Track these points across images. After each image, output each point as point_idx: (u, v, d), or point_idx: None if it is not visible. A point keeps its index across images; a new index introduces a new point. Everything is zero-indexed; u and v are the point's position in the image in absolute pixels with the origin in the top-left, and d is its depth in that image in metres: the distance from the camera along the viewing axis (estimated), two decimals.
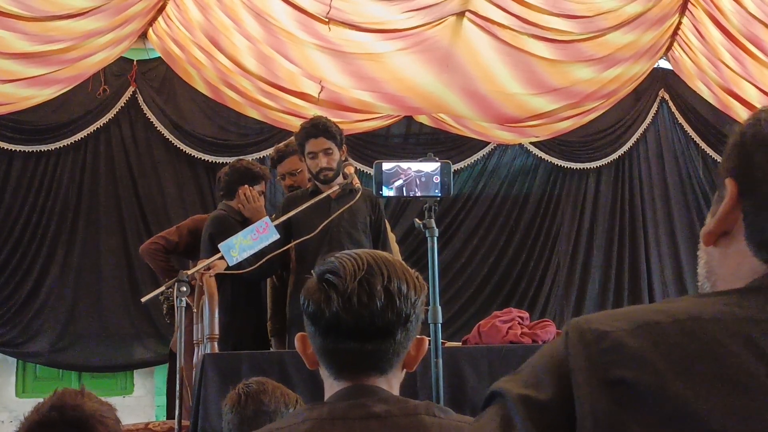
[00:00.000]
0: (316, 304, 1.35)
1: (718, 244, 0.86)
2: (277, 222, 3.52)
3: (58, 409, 1.74)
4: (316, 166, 3.77)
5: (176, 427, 3.23)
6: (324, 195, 3.70)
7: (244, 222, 4.11)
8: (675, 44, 6.56)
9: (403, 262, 1.42)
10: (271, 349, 4.11)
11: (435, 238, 2.63)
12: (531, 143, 6.76)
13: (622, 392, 0.70)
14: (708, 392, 0.68)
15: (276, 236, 3.38)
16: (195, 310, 3.52)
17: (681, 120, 6.97)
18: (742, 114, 6.17)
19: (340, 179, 3.81)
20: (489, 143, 6.73)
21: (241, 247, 3.29)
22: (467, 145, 6.71)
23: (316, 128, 3.80)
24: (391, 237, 4.33)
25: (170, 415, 4.54)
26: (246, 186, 4.19)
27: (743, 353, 0.70)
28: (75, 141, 6.11)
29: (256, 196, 4.19)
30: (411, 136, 6.74)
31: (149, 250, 4.40)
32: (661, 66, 6.88)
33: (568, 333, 0.76)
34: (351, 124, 6.08)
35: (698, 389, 0.69)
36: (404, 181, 2.70)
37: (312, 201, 3.66)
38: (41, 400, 1.81)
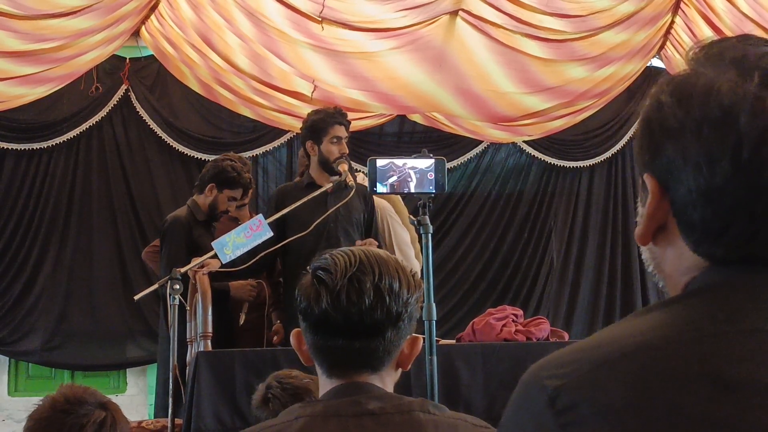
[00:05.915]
0: (307, 300, 1.35)
1: (657, 241, 0.82)
2: (272, 219, 3.51)
3: (87, 391, 1.74)
4: (339, 151, 3.78)
5: (169, 425, 3.23)
6: (322, 189, 3.70)
7: (208, 219, 4.09)
8: (668, 43, 6.56)
9: (399, 260, 1.42)
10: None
11: (429, 235, 2.63)
12: (524, 141, 6.77)
13: None
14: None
15: (269, 234, 3.38)
16: (188, 308, 3.52)
17: None
18: None
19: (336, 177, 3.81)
20: (482, 141, 6.74)
21: (234, 244, 3.29)
22: (460, 144, 6.71)
23: (343, 116, 3.86)
24: (414, 236, 4.30)
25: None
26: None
27: (699, 380, 0.67)
28: (67, 139, 6.08)
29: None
30: (404, 135, 6.74)
31: (149, 254, 4.43)
32: (654, 65, 6.89)
33: (528, 393, 0.73)
34: None
35: (659, 430, 0.66)
36: (398, 177, 2.69)
37: (310, 195, 3.65)
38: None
